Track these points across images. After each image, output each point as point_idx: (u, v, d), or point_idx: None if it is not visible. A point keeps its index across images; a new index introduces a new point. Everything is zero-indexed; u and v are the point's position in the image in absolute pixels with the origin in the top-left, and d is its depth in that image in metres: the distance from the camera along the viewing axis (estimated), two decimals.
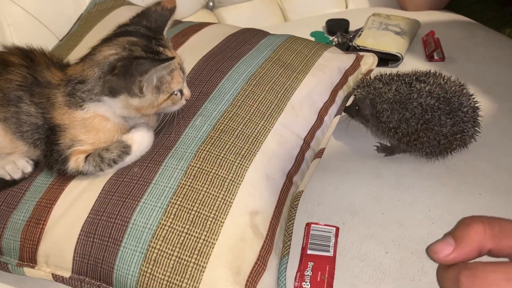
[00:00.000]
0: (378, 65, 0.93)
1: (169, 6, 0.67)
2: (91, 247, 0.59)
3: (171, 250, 0.56)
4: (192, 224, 0.57)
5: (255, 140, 0.66)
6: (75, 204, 0.62)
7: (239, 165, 0.63)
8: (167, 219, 0.58)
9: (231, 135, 0.66)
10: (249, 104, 0.71)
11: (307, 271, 0.63)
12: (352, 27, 1.25)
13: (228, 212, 0.58)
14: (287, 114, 0.72)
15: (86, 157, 0.63)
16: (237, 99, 0.71)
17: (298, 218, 0.68)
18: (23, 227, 0.63)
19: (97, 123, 0.63)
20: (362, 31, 1.16)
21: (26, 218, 0.64)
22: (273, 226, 0.61)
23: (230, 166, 0.62)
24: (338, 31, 1.22)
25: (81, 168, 0.63)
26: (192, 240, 0.56)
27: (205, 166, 0.62)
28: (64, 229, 0.61)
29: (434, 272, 0.62)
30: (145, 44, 0.62)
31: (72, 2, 1.09)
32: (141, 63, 0.58)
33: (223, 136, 0.66)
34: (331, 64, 0.84)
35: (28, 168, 0.68)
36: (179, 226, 0.57)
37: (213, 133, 0.66)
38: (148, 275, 0.55)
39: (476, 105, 0.78)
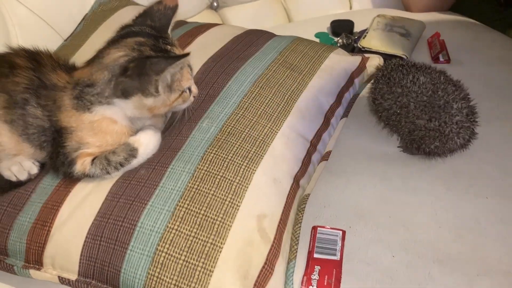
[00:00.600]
0: None
1: (171, 4, 0.67)
2: (98, 250, 0.59)
3: (179, 254, 0.56)
4: (199, 227, 0.57)
5: (262, 143, 0.66)
6: (82, 206, 0.62)
7: (246, 168, 0.63)
8: (174, 222, 0.57)
9: (238, 138, 0.66)
10: (256, 106, 0.70)
11: (314, 275, 0.62)
12: (357, 28, 1.25)
13: (235, 215, 0.58)
14: (294, 117, 0.72)
15: (93, 160, 0.63)
16: (244, 101, 0.71)
17: (304, 221, 0.67)
18: (29, 229, 0.63)
19: (104, 126, 0.63)
20: (367, 33, 1.15)
21: (32, 220, 0.63)
22: (281, 230, 0.60)
23: (237, 169, 0.62)
24: (343, 32, 1.22)
25: (88, 171, 0.63)
26: (200, 244, 0.56)
27: (212, 169, 0.62)
28: (71, 231, 0.61)
29: (441, 277, 0.63)
30: (153, 44, 0.62)
31: (77, 2, 1.08)
32: (155, 62, 0.58)
33: (230, 139, 0.65)
34: (337, 66, 0.84)
35: (34, 170, 0.68)
36: (186, 230, 0.57)
37: (220, 135, 0.66)
38: (155, 278, 0.55)
39: (474, 110, 0.77)
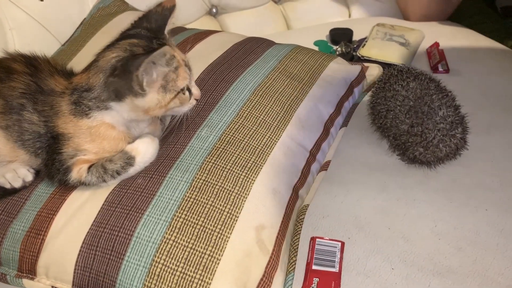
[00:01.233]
0: None
1: (169, 5, 0.66)
2: (93, 260, 0.57)
3: (176, 266, 0.54)
4: (197, 238, 0.56)
5: (262, 153, 0.65)
6: (77, 215, 0.61)
7: (245, 178, 0.62)
8: (171, 233, 0.56)
9: (237, 147, 0.65)
10: (255, 115, 0.70)
11: (312, 287, 0.61)
12: (356, 37, 1.24)
13: (234, 226, 0.57)
14: (294, 126, 0.71)
15: (89, 167, 0.62)
16: (244, 110, 0.70)
17: (303, 231, 0.66)
18: (23, 238, 0.62)
19: (102, 132, 0.62)
20: (366, 41, 1.15)
21: (26, 228, 0.62)
22: (279, 241, 0.60)
23: (236, 179, 0.61)
24: (342, 41, 1.21)
25: (84, 179, 0.62)
26: (197, 256, 0.55)
27: (210, 179, 0.61)
28: (66, 240, 0.60)
29: None
30: (146, 44, 0.61)
31: (75, 6, 1.08)
32: (136, 58, 0.57)
33: (229, 148, 0.65)
34: (337, 75, 0.83)
35: (29, 177, 0.67)
36: (183, 241, 0.56)
37: (219, 144, 0.65)
38: None
39: (463, 120, 0.77)
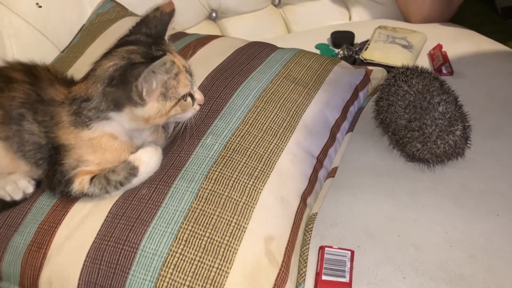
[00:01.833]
0: None
1: (168, 10, 0.64)
2: (97, 274, 0.56)
3: (183, 280, 0.53)
4: (204, 251, 0.54)
5: (268, 160, 0.64)
6: (80, 228, 0.59)
7: (252, 187, 0.60)
8: (178, 245, 0.55)
9: (244, 155, 0.63)
10: (261, 121, 0.68)
11: None
12: (357, 40, 1.23)
13: (242, 238, 0.56)
14: (300, 132, 0.69)
15: (92, 179, 0.61)
16: (249, 116, 0.69)
17: (311, 241, 0.65)
18: (25, 252, 0.60)
19: (104, 143, 0.60)
20: (369, 44, 1.14)
21: (27, 241, 0.60)
22: (289, 253, 0.58)
23: (243, 188, 0.60)
24: (344, 44, 1.20)
25: (86, 190, 0.61)
26: (205, 269, 0.53)
27: (217, 188, 0.59)
28: (69, 254, 0.58)
29: None
30: (144, 51, 0.60)
31: (74, 12, 1.06)
32: (135, 67, 0.55)
33: (235, 156, 0.63)
34: (342, 79, 0.82)
35: (30, 189, 0.65)
36: (191, 254, 0.54)
37: (225, 152, 0.63)
38: None
39: (464, 118, 0.77)
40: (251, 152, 0.64)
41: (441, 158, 0.77)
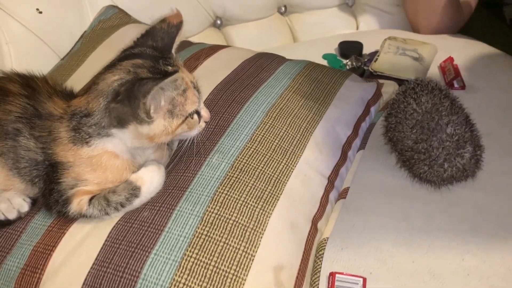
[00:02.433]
0: None
1: (175, 21, 0.61)
2: None
3: None
4: (210, 281, 0.51)
5: (278, 181, 0.61)
6: (78, 252, 0.56)
7: (261, 211, 0.57)
8: (181, 275, 0.51)
9: (252, 176, 0.60)
10: (269, 139, 0.65)
11: None
12: (366, 50, 1.20)
13: (250, 267, 0.52)
14: (311, 151, 0.66)
15: (91, 199, 0.57)
16: (257, 133, 0.65)
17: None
18: (18, 275, 0.57)
19: (104, 161, 0.57)
20: (378, 56, 1.11)
21: (21, 265, 0.57)
22: (299, 282, 0.55)
23: (251, 212, 0.56)
24: (352, 54, 1.17)
25: (85, 211, 0.57)
26: None
27: (223, 212, 0.56)
28: (65, 280, 0.55)
29: None
30: (151, 65, 0.56)
31: (75, 18, 1.03)
32: (143, 84, 0.52)
33: (243, 177, 0.60)
34: (354, 94, 0.79)
35: (25, 207, 0.62)
36: (195, 284, 0.51)
37: (232, 172, 0.60)
38: None
39: (476, 140, 0.73)
40: (259, 172, 0.61)
41: (449, 181, 0.74)
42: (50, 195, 0.58)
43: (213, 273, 0.51)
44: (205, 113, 0.60)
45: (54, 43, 0.98)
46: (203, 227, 0.55)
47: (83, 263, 0.55)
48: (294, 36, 1.39)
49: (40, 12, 0.95)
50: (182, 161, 0.63)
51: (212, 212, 0.56)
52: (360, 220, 0.71)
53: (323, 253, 0.60)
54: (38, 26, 0.96)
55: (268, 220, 0.56)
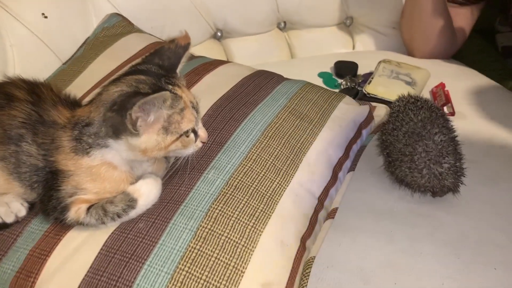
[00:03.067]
0: None
1: (183, 43, 0.64)
2: None
3: None
4: None
5: (270, 200, 0.63)
6: (73, 259, 0.57)
7: (252, 228, 0.59)
8: (173, 287, 0.53)
9: (245, 193, 0.62)
10: (264, 158, 0.67)
11: None
12: (360, 71, 1.23)
13: (239, 283, 0.54)
14: (303, 171, 0.68)
15: (88, 208, 0.59)
16: (252, 152, 0.68)
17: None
18: (12, 279, 0.58)
19: (103, 172, 0.59)
20: (372, 78, 1.14)
21: (16, 268, 0.58)
22: None
23: (243, 229, 0.58)
24: (347, 75, 1.20)
25: (82, 219, 0.59)
26: None
27: (216, 228, 0.58)
28: (59, 286, 0.56)
29: None
30: (153, 82, 0.58)
31: (79, 24, 1.05)
32: (134, 96, 0.54)
33: (237, 194, 0.62)
34: (347, 117, 0.82)
35: (23, 212, 0.63)
36: None
37: (227, 189, 0.62)
38: None
39: (458, 156, 0.76)
40: (253, 190, 0.63)
41: (423, 188, 0.77)
42: (49, 202, 0.60)
43: (203, 287, 0.53)
44: (202, 133, 0.62)
45: (57, 47, 0.99)
46: (196, 242, 0.57)
47: (78, 270, 0.56)
48: (292, 52, 1.42)
49: (46, 17, 0.97)
50: (178, 175, 0.65)
51: (206, 227, 0.58)
52: (347, 240, 0.74)
53: (309, 272, 0.62)
54: (42, 29, 0.97)
55: (259, 237, 0.58)
